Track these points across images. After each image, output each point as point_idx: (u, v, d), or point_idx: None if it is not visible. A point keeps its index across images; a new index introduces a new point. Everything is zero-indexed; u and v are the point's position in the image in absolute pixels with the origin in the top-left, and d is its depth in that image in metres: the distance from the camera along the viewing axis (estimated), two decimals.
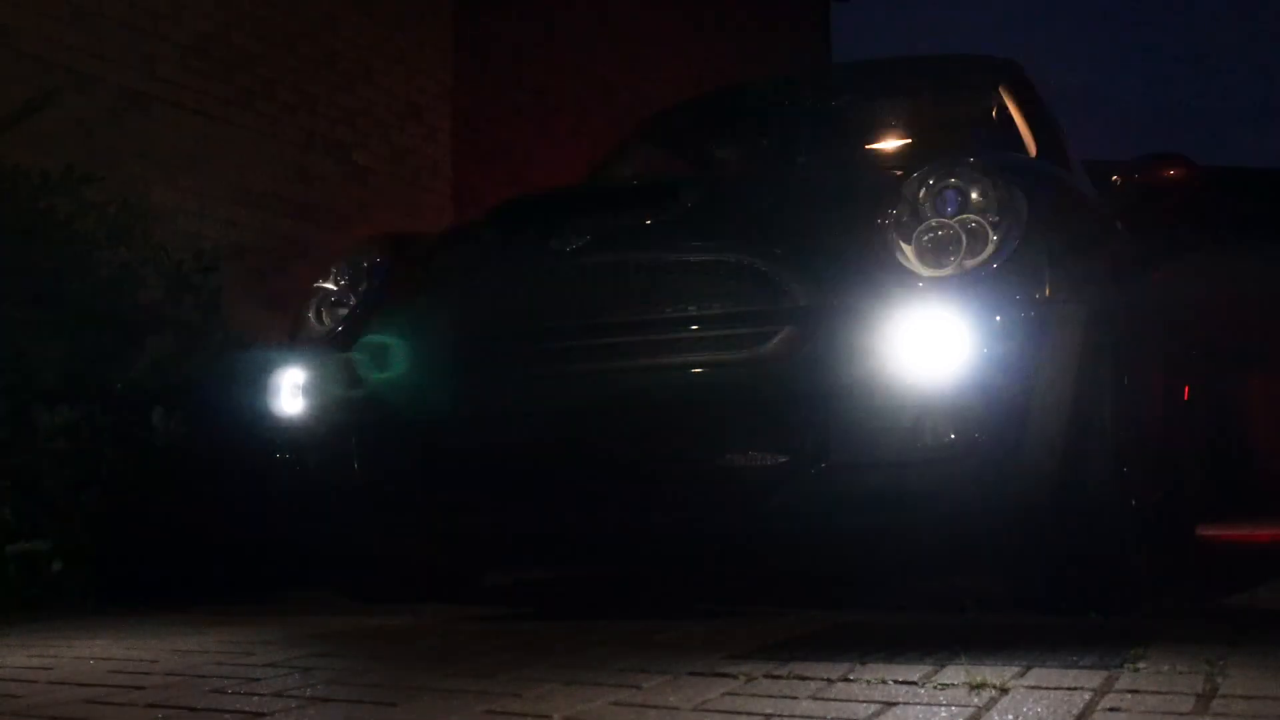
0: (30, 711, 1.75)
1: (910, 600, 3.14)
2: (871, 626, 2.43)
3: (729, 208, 2.77)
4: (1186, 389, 4.18)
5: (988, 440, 2.30)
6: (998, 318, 2.33)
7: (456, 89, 7.34)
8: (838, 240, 2.52)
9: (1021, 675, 1.78)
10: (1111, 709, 1.55)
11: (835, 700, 1.65)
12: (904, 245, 2.46)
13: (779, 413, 2.36)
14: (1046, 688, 1.69)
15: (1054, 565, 2.56)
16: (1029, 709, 1.56)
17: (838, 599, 3.03)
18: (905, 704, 1.61)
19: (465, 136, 7.39)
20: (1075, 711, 1.54)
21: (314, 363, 2.93)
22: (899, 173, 2.62)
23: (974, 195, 2.49)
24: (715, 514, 2.50)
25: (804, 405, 2.34)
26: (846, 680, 1.79)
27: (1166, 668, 1.82)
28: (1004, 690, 1.68)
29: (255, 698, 1.80)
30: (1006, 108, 3.61)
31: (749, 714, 1.58)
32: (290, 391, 2.93)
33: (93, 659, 2.27)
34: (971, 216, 2.45)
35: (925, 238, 2.45)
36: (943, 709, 1.58)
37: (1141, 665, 1.85)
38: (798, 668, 1.90)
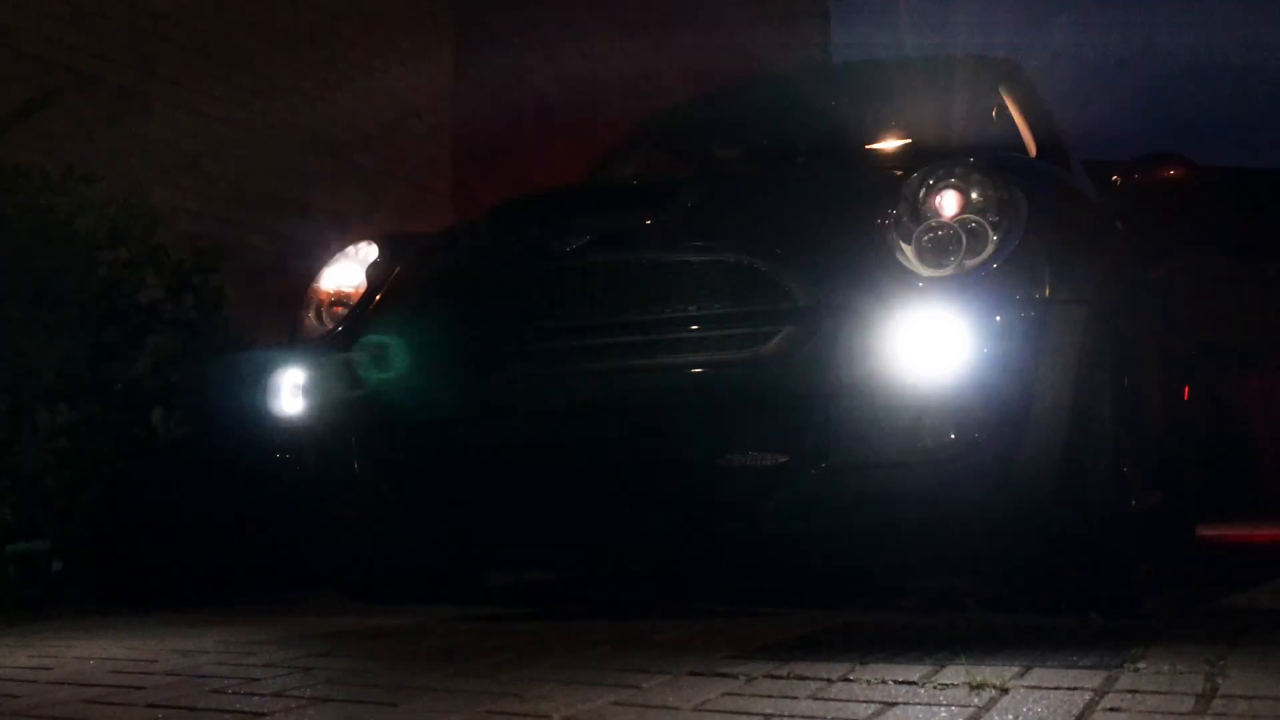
0: (30, 711, 1.75)
1: (910, 600, 3.14)
2: (871, 626, 2.43)
3: (729, 208, 2.77)
4: (1186, 389, 4.18)
5: (988, 440, 2.30)
6: (998, 318, 2.33)
7: (456, 89, 7.34)
8: (838, 240, 2.52)
9: (1021, 675, 1.78)
10: (1111, 709, 1.55)
11: (835, 700, 1.65)
12: (904, 245, 2.46)
13: (779, 413, 2.36)
14: (1046, 688, 1.69)
15: (1054, 565, 2.56)
16: (1029, 709, 1.56)
17: (838, 599, 3.03)
18: (905, 704, 1.61)
19: (465, 136, 7.39)
20: (1075, 711, 1.54)
21: (314, 363, 2.93)
22: (899, 173, 2.62)
23: (974, 195, 2.49)
24: (715, 514, 2.50)
25: (804, 405, 2.34)
26: (846, 680, 1.79)
27: (1166, 668, 1.82)
28: (1004, 690, 1.68)
29: (255, 698, 1.80)
30: (1006, 108, 3.61)
31: (749, 714, 1.58)
32: (290, 391, 2.93)
33: (93, 659, 2.27)
34: (971, 216, 2.45)
35: (925, 238, 2.45)
36: (943, 709, 1.58)
37: (1141, 665, 1.85)
38: (798, 668, 1.90)
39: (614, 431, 2.51)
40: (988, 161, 2.58)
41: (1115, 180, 3.53)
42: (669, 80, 9.01)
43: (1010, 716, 1.52)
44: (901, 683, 1.75)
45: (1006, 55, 3.97)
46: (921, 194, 2.51)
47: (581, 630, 2.48)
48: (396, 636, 2.53)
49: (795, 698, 1.67)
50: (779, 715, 1.57)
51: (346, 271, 3.16)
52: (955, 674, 1.80)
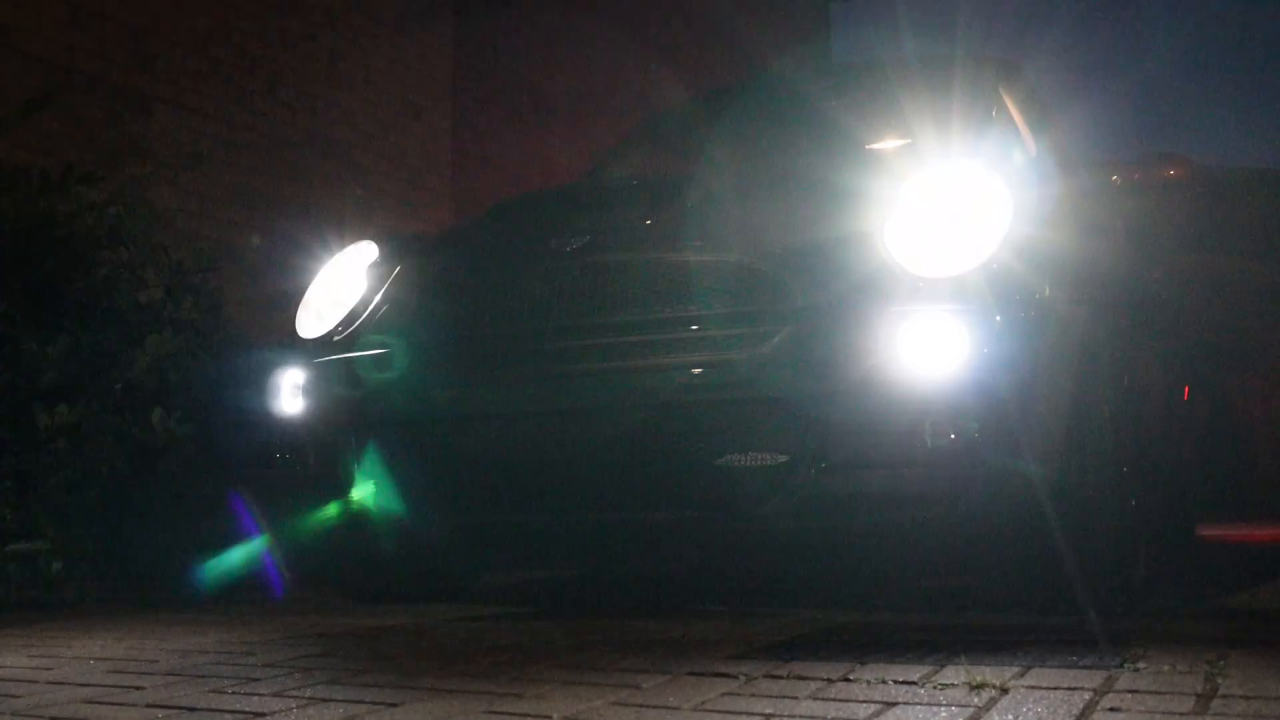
0: (30, 711, 1.75)
1: (910, 600, 3.14)
2: (871, 626, 2.43)
3: (729, 208, 2.77)
4: (1186, 389, 4.18)
5: (987, 440, 2.30)
6: (997, 318, 2.33)
7: (456, 89, 7.34)
8: (837, 240, 2.52)
9: (1021, 675, 1.78)
10: (1111, 709, 1.55)
11: (835, 700, 1.65)
12: (904, 245, 2.46)
13: (779, 413, 2.36)
14: (1046, 688, 1.69)
15: (1054, 565, 2.56)
16: (1029, 709, 1.56)
17: (838, 599, 3.03)
18: (905, 704, 1.61)
19: (465, 136, 7.39)
20: (1075, 711, 1.54)
21: (314, 363, 2.93)
22: (899, 173, 2.62)
23: (973, 195, 2.49)
24: (715, 514, 2.50)
25: (804, 405, 2.34)
26: (846, 680, 1.79)
27: (1166, 668, 1.82)
28: (1004, 690, 1.68)
29: (255, 698, 1.80)
30: (1006, 108, 3.61)
31: (749, 714, 1.58)
32: (290, 391, 2.93)
33: (93, 659, 2.27)
34: (971, 217, 2.45)
35: (925, 238, 2.46)
36: (943, 709, 1.58)
37: (1141, 665, 1.85)
38: (798, 668, 1.90)
39: (614, 431, 2.51)
40: (987, 161, 2.58)
41: (1115, 180, 3.53)
42: (669, 80, 9.02)
43: (1010, 716, 1.52)
44: (901, 683, 1.75)
45: (1006, 55, 3.97)
46: (921, 194, 2.51)
47: (581, 630, 2.48)
48: (396, 636, 2.53)
49: (795, 698, 1.67)
50: (779, 715, 1.57)
51: (346, 271, 3.16)
52: (955, 674, 1.80)
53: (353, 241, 3.27)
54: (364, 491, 2.81)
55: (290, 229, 6.02)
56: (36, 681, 2.03)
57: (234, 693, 1.85)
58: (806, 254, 2.49)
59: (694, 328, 2.47)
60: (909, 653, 2.01)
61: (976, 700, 1.62)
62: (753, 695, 1.70)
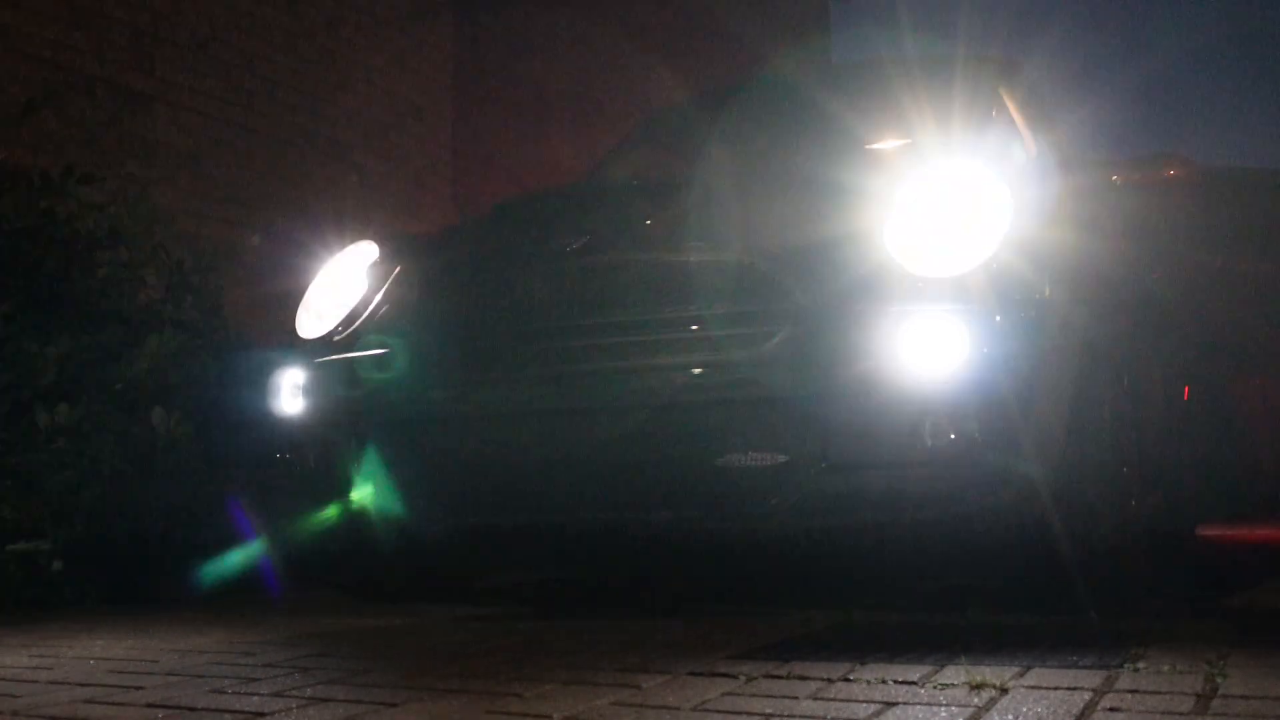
0: (30, 711, 1.75)
1: (910, 600, 3.14)
2: (871, 626, 2.43)
3: (729, 208, 2.77)
4: (1186, 389, 4.17)
5: (987, 440, 2.30)
6: (997, 318, 2.33)
7: (456, 89, 7.34)
8: (837, 240, 2.52)
9: (1021, 675, 1.78)
10: (1111, 709, 1.55)
11: (835, 700, 1.65)
12: (903, 245, 2.45)
13: (779, 413, 2.36)
14: (1046, 688, 1.69)
15: (1054, 565, 2.56)
16: (1029, 709, 1.56)
17: (837, 599, 3.03)
18: (905, 704, 1.61)
19: (465, 136, 7.39)
20: (1075, 711, 1.54)
21: (314, 363, 2.93)
22: (899, 172, 2.62)
23: (973, 195, 2.48)
24: (715, 514, 2.50)
25: (804, 405, 2.34)
26: (846, 680, 1.79)
27: (1166, 668, 1.82)
28: (1004, 690, 1.68)
29: (255, 698, 1.80)
30: (1006, 108, 3.61)
31: (749, 714, 1.58)
32: (290, 391, 2.93)
33: (93, 659, 2.27)
34: (970, 217, 2.45)
35: (925, 238, 2.45)
36: (943, 709, 1.58)
37: (1141, 665, 1.85)
38: (798, 668, 1.90)
39: (614, 431, 2.51)
40: (987, 161, 2.58)
41: (1115, 180, 3.52)
42: (669, 80, 9.01)
43: (1010, 716, 1.52)
44: (901, 683, 1.75)
45: (1006, 55, 3.97)
46: (921, 194, 2.51)
47: (581, 630, 2.48)
48: (396, 636, 2.53)
49: (795, 698, 1.67)
50: (779, 715, 1.57)
51: (346, 271, 3.16)
52: (955, 674, 1.80)
53: (353, 241, 3.27)
54: (364, 492, 2.81)
55: (290, 229, 6.02)
56: (36, 681, 2.03)
57: (234, 693, 1.85)
58: (806, 254, 2.49)
59: (694, 328, 2.47)
60: (909, 653, 2.01)
61: (976, 700, 1.62)
62: (753, 695, 1.70)
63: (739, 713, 1.59)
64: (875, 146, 4.02)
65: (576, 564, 4.19)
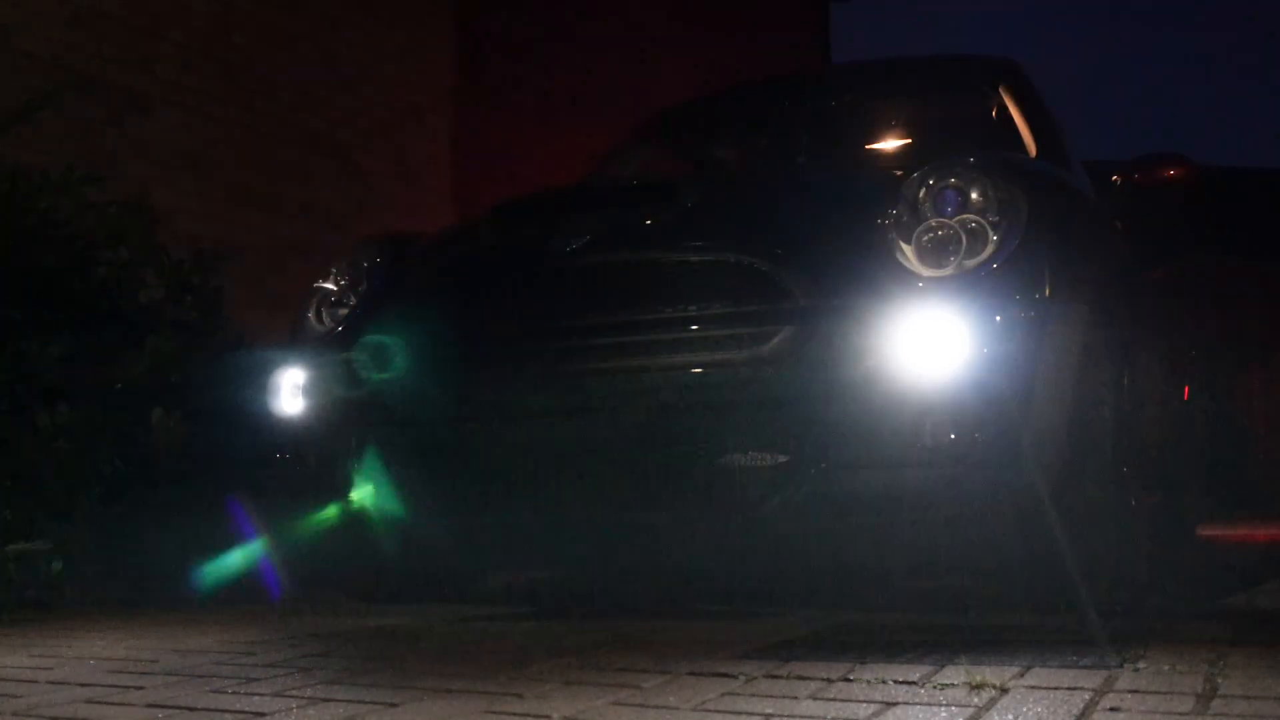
0: (30, 711, 1.75)
1: (910, 600, 3.14)
2: (871, 626, 2.43)
3: (729, 208, 2.77)
4: (1186, 389, 4.17)
5: (987, 440, 2.30)
6: (998, 318, 2.33)
7: (456, 89, 7.34)
8: (838, 240, 2.52)
9: (1021, 675, 1.78)
10: (1111, 709, 1.55)
11: (835, 700, 1.65)
12: (904, 245, 2.46)
13: (779, 413, 2.36)
14: (1046, 688, 1.69)
15: (1054, 565, 2.55)
16: (1029, 709, 1.56)
17: (838, 599, 3.03)
18: (905, 704, 1.61)
19: (465, 136, 7.39)
20: (1075, 711, 1.54)
21: (314, 363, 2.93)
22: (899, 173, 2.62)
23: (974, 195, 2.48)
24: (715, 514, 2.50)
25: (804, 405, 2.34)
26: (846, 680, 1.79)
27: (1166, 668, 1.83)
28: (1004, 690, 1.68)
29: (255, 698, 1.80)
30: (1006, 108, 3.61)
31: (749, 714, 1.58)
32: (290, 391, 2.93)
33: (93, 659, 2.27)
34: (971, 216, 2.45)
35: (925, 238, 2.45)
36: (943, 709, 1.58)
37: (1141, 665, 1.85)
38: (798, 668, 1.90)
39: (614, 431, 2.51)
40: (987, 161, 2.58)
41: (1115, 180, 3.52)
42: (669, 80, 9.02)
43: (1010, 716, 1.52)
44: (901, 683, 1.75)
45: (1006, 55, 3.97)
46: (921, 194, 2.51)
47: (581, 630, 2.48)
48: (396, 636, 2.53)
49: (795, 698, 1.67)
50: (779, 715, 1.57)
51: (347, 271, 3.16)
52: (955, 674, 1.80)
53: (353, 241, 3.27)
54: (364, 492, 2.81)
55: (290, 229, 6.02)
56: (36, 681, 2.03)
57: (234, 693, 1.85)
58: (807, 254, 2.48)
59: (694, 328, 2.47)
60: (909, 653, 2.01)
61: (976, 700, 1.62)
62: (753, 695, 1.70)
63: (739, 713, 1.59)
64: (875, 146, 4.03)
65: (576, 564, 4.19)
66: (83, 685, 1.97)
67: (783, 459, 2.36)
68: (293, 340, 3.12)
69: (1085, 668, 1.83)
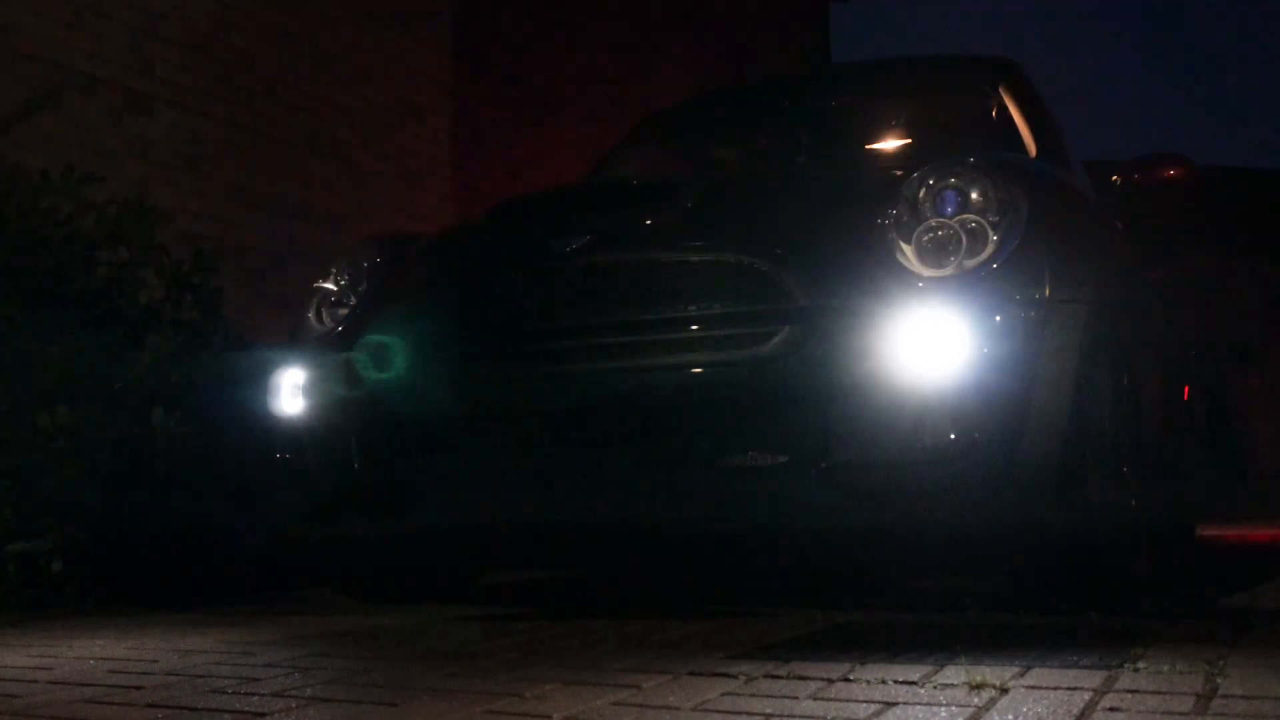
0: (30, 711, 1.75)
1: (910, 600, 3.14)
2: (871, 626, 2.43)
3: (729, 208, 2.77)
4: (1186, 389, 4.18)
5: (987, 440, 2.30)
6: (998, 318, 2.33)
7: (456, 89, 7.34)
8: (838, 240, 2.52)
9: (1021, 675, 1.78)
10: (1111, 709, 1.55)
11: (835, 700, 1.65)
12: (904, 245, 2.46)
13: (779, 413, 2.36)
14: (1046, 688, 1.69)
15: (1054, 565, 2.56)
16: (1029, 709, 1.56)
17: (838, 599, 3.03)
18: (905, 704, 1.61)
19: (465, 136, 7.39)
20: (1075, 711, 1.54)
21: (314, 363, 2.93)
22: (899, 173, 2.63)
23: (974, 195, 2.49)
24: (715, 514, 2.50)
25: (804, 405, 2.34)
26: (846, 680, 1.79)
27: (1166, 668, 1.82)
28: (1004, 690, 1.68)
29: (255, 698, 1.80)
30: (1006, 108, 3.61)
31: (749, 714, 1.58)
32: (290, 391, 2.93)
33: (93, 659, 2.27)
34: (971, 216, 2.45)
35: (925, 238, 2.46)
36: (943, 709, 1.58)
37: (1141, 665, 1.85)
38: (798, 668, 1.90)
39: (614, 431, 2.51)
40: (987, 161, 2.58)
41: (1115, 180, 3.52)
42: (669, 80, 9.02)
43: (1010, 716, 1.52)
44: (901, 683, 1.75)
45: (1006, 55, 3.97)
46: (921, 194, 2.51)
47: (581, 630, 2.48)
48: (396, 636, 2.53)
49: (795, 698, 1.67)
50: (779, 715, 1.57)
51: (347, 271, 3.16)
52: (955, 674, 1.80)
53: (352, 241, 3.27)
54: (364, 491, 2.81)
55: (290, 229, 6.02)
56: (36, 681, 2.03)
57: (234, 693, 1.85)
58: (807, 254, 2.49)
59: (694, 328, 2.47)
60: (909, 653, 2.01)
61: (976, 700, 1.62)
62: (753, 695, 1.70)
63: (739, 713, 1.59)
64: (875, 146, 4.02)
65: (576, 563, 4.20)
66: (83, 685, 1.97)
67: (783, 459, 2.36)
68: (293, 340, 3.13)
69: (1085, 668, 1.83)
